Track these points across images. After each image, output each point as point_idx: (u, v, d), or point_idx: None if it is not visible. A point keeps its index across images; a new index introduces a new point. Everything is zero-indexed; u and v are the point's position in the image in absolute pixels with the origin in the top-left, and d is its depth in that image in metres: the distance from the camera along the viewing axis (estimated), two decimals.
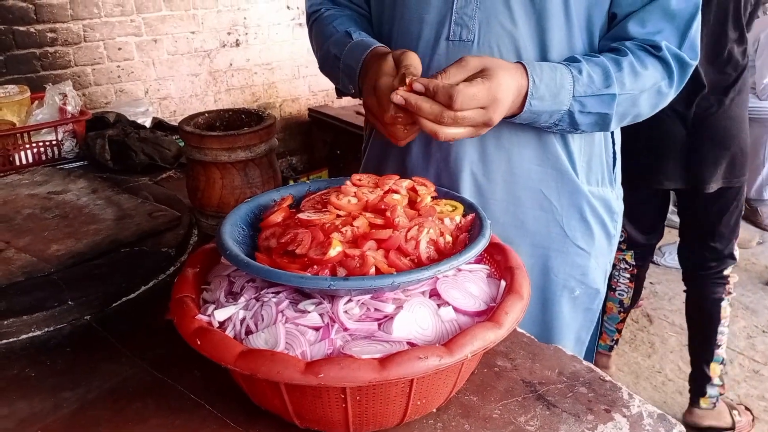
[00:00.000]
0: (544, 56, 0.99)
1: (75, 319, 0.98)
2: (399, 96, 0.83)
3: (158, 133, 1.71)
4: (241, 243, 0.81)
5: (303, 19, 3.75)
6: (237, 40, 3.54)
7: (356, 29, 1.08)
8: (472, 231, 0.84)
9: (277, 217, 0.86)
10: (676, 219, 3.81)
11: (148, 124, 1.95)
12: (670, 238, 3.70)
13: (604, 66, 0.95)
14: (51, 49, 2.96)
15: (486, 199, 1.06)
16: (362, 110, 3.20)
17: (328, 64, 1.13)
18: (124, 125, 1.75)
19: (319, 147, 3.91)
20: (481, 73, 0.85)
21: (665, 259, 3.42)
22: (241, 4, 3.49)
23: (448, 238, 0.80)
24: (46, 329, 0.95)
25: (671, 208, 3.92)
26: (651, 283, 3.31)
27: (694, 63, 0.99)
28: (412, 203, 0.86)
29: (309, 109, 3.86)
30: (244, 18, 3.52)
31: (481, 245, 0.76)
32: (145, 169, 1.62)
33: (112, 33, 3.12)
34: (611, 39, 1.01)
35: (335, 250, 0.72)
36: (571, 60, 0.97)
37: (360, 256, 0.71)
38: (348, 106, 3.77)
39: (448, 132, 0.84)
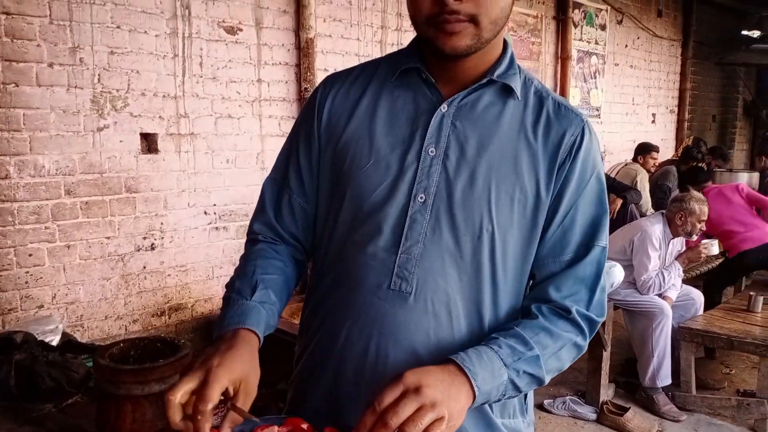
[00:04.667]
0: (473, 311, 1.12)
1: None
2: None
3: (67, 355, 1.70)
4: None
5: (219, 224, 3.91)
6: (152, 243, 3.62)
7: (265, 287, 1.12)
8: None
9: None
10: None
11: (56, 340, 1.93)
12: (564, 391, 3.79)
13: (520, 335, 1.07)
14: None
15: None
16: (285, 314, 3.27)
17: (234, 295, 1.14)
18: (31, 346, 1.74)
19: None
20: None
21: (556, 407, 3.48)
22: (159, 210, 3.62)
23: None
24: None
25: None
26: None
27: (602, 319, 1.14)
28: None
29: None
30: (161, 223, 3.64)
31: None
32: (51, 393, 1.59)
33: (24, 240, 3.13)
34: (532, 300, 1.15)
35: None
36: (490, 339, 1.08)
37: None
38: None
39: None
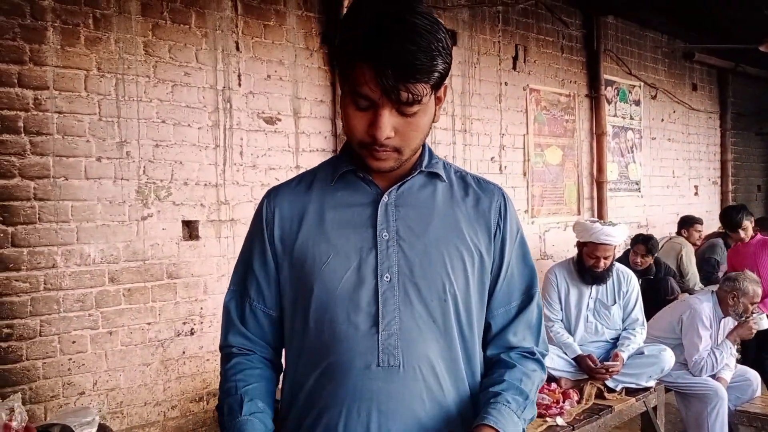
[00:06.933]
0: (452, 367, 1.25)
1: None
2: None
3: None
4: None
5: None
6: (192, 329, 3.66)
7: (251, 398, 1.22)
8: None
9: None
10: None
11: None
12: None
13: (515, 386, 1.25)
14: (4, 345, 3.00)
15: None
16: None
17: (227, 417, 1.23)
18: None
19: None
20: None
21: None
22: (199, 295, 3.68)
23: None
24: None
25: None
26: None
27: (548, 353, 1.37)
28: None
29: None
30: (201, 308, 3.69)
31: None
32: None
33: (68, 327, 3.20)
34: (497, 348, 1.32)
35: None
36: (495, 395, 1.22)
37: None
38: None
39: None
